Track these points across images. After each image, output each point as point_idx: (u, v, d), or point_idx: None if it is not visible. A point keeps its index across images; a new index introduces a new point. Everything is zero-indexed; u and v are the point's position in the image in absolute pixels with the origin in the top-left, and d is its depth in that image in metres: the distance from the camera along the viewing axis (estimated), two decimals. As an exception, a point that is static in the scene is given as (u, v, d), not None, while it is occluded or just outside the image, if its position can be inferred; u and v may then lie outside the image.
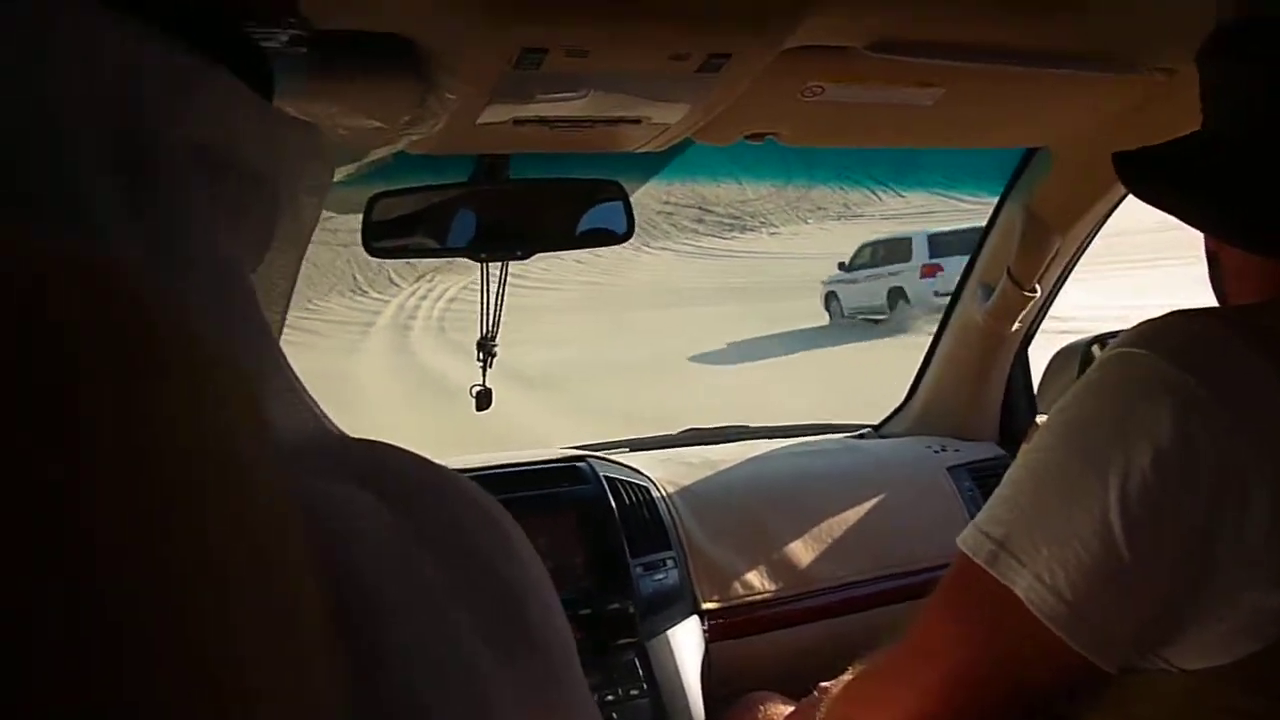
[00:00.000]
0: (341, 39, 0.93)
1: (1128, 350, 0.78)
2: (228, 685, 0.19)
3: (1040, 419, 1.85)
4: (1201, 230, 0.92)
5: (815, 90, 1.20)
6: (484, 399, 1.69)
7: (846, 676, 1.25)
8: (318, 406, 0.37)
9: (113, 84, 0.30)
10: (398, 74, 1.00)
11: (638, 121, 1.22)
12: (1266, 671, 0.72)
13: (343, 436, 0.37)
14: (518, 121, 1.17)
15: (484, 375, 1.67)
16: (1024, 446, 1.78)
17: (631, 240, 1.54)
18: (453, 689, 0.30)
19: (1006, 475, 0.84)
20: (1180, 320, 0.80)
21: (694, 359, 14.33)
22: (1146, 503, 0.72)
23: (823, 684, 1.28)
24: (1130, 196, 1.73)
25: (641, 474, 1.83)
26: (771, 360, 13.84)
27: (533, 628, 0.34)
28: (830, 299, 18.47)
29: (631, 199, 1.50)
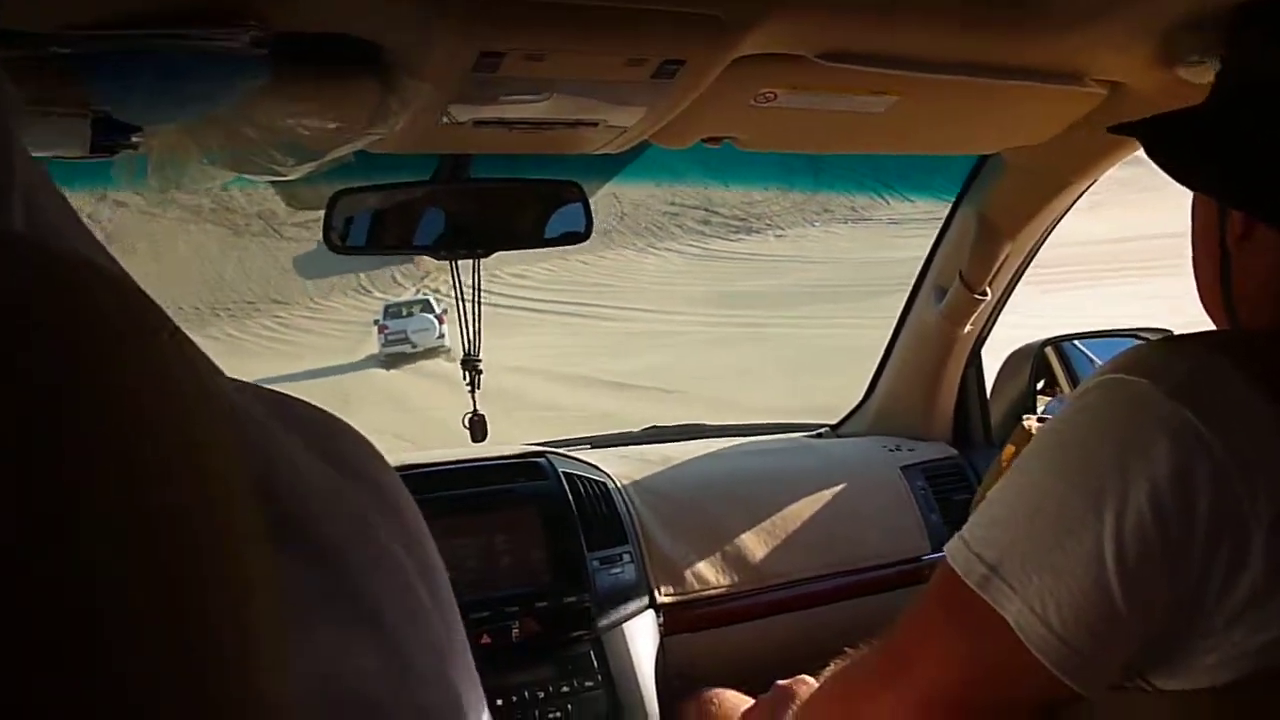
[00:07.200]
0: (301, 40, 0.94)
1: (1126, 378, 0.76)
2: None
3: (1027, 421, 1.85)
4: (1234, 204, 0.86)
5: (768, 97, 1.23)
6: (479, 428, 1.59)
7: (809, 679, 1.23)
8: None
9: None
10: (358, 75, 1.01)
11: (595, 124, 1.24)
12: (1244, 697, 0.73)
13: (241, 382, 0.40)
14: (478, 123, 1.19)
15: (474, 398, 1.57)
16: (1011, 456, 1.78)
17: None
18: (387, 582, 0.33)
19: (996, 491, 0.81)
20: (1181, 350, 0.78)
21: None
22: (1142, 541, 0.71)
23: (779, 682, 1.28)
24: (1077, 205, 1.78)
25: (600, 470, 1.85)
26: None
27: (428, 555, 0.37)
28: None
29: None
